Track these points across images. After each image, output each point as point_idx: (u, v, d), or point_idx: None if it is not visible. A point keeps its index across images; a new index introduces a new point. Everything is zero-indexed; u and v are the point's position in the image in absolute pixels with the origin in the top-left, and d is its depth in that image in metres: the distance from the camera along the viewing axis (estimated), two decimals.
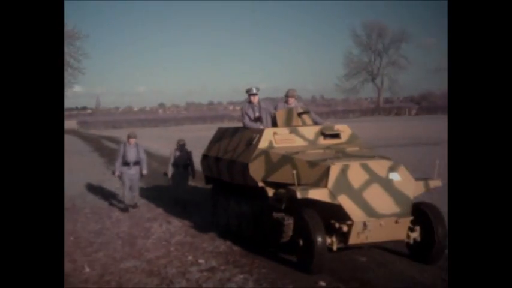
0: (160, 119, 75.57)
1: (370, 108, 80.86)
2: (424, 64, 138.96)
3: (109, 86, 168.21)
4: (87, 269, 6.55)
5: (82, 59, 36.10)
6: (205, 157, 9.09)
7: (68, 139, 39.54)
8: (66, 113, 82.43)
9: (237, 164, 7.34)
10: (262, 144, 6.92)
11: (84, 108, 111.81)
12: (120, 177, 10.48)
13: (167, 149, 26.42)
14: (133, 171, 10.42)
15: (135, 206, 10.46)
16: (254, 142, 7.05)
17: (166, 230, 8.54)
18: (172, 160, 10.60)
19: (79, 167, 19.11)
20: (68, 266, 6.66)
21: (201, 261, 6.74)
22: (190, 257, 6.92)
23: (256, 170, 6.81)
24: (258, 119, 8.10)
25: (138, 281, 6.08)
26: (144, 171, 10.58)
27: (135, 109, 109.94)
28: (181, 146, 10.74)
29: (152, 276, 6.23)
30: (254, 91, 8.25)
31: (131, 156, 10.35)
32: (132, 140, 10.45)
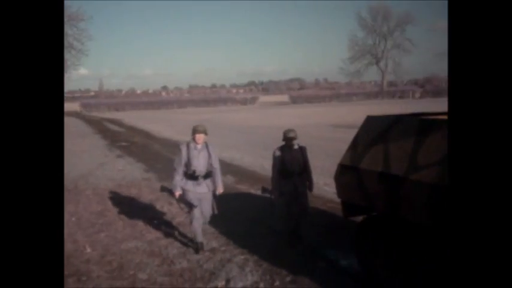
0: (163, 101, 75.45)
1: (374, 92, 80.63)
2: (431, 47, 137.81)
3: (114, 68, 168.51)
4: (88, 250, 6.58)
5: (86, 41, 35.90)
6: (347, 170, 5.29)
7: (70, 121, 39.61)
8: (69, 95, 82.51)
9: None
10: None
11: (87, 90, 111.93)
12: (181, 199, 6.45)
13: (169, 132, 26.51)
14: (204, 188, 6.44)
15: (201, 246, 6.47)
16: None
17: (167, 211, 8.55)
18: (278, 165, 6.47)
19: (81, 149, 19.16)
20: (69, 246, 6.70)
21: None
22: (191, 238, 6.94)
23: None
24: None
25: (139, 261, 6.12)
26: (220, 189, 6.54)
27: (138, 92, 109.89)
28: (292, 142, 6.45)
29: (153, 257, 6.26)
30: None
31: (200, 164, 6.34)
32: (201, 137, 6.33)
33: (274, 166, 6.53)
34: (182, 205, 6.52)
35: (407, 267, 4.69)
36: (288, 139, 6.40)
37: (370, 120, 5.31)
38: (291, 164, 6.37)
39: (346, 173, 5.30)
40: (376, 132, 5.04)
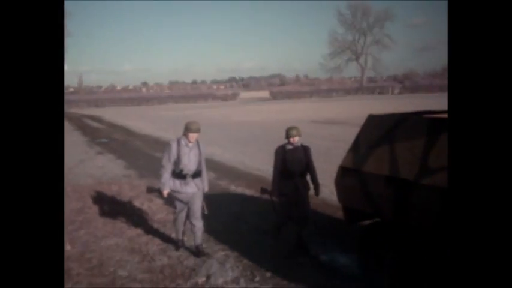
0: (144, 97, 75.05)
1: (354, 88, 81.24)
2: (410, 43, 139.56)
3: (94, 64, 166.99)
4: (68, 247, 6.53)
5: (65, 37, 35.50)
6: (349, 173, 5.03)
7: None
8: None
9: None
10: None
11: (67, 86, 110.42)
12: (170, 197, 6.32)
13: (150, 128, 26.36)
14: (193, 187, 6.09)
15: (199, 251, 6.18)
16: None
17: (148, 208, 8.53)
18: (279, 164, 6.09)
19: None
20: None
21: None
22: (172, 235, 6.95)
23: None
24: None
25: (120, 258, 6.10)
26: (206, 187, 6.27)
27: (118, 88, 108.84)
28: (293, 139, 6.09)
29: (133, 254, 6.25)
30: None
31: (191, 163, 6.01)
32: (194, 136, 6.00)
33: (275, 165, 6.13)
34: (172, 204, 6.22)
35: (413, 270, 4.36)
36: (289, 136, 6.06)
37: (372, 119, 4.92)
38: (292, 163, 5.99)
39: (348, 176, 4.96)
40: (380, 133, 4.66)
